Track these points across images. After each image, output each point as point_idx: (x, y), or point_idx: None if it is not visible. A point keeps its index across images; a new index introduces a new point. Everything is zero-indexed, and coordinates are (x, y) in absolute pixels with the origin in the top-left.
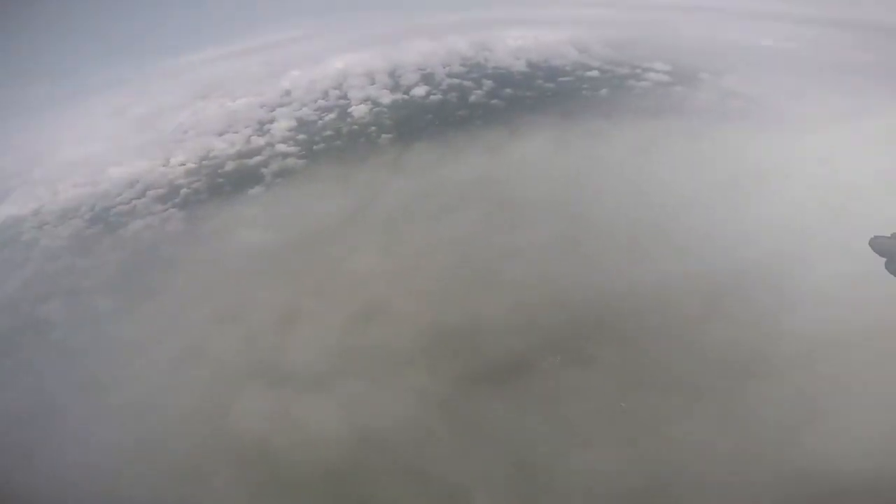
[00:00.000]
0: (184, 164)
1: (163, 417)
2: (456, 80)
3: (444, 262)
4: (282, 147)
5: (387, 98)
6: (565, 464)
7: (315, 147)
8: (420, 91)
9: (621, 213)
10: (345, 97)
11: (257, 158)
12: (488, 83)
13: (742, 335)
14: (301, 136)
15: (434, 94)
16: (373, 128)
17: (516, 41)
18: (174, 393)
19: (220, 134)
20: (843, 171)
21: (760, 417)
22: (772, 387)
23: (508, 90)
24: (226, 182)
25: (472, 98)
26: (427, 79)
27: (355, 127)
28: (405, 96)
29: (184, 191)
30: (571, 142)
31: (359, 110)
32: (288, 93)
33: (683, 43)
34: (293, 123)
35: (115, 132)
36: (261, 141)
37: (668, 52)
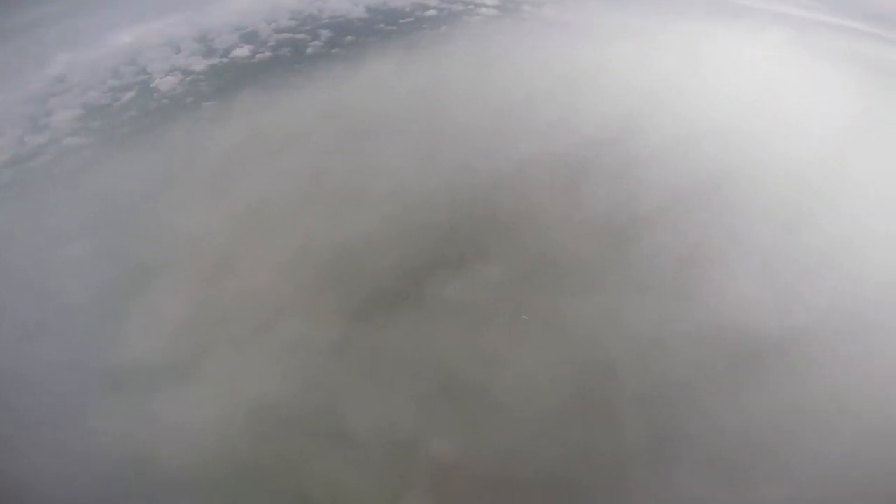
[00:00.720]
0: None
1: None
2: (287, 35)
3: (295, 193)
4: (72, 140)
5: (200, 65)
6: (498, 384)
7: (118, 132)
8: (243, 52)
9: (471, 116)
10: (143, 72)
11: (42, 159)
12: (326, 33)
13: (610, 201)
14: (95, 124)
15: (262, 53)
16: (189, 98)
17: None
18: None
19: None
20: (649, 68)
21: (655, 278)
22: (653, 243)
23: (350, 37)
24: (4, 196)
25: (310, 50)
26: (249, 38)
27: (166, 101)
28: (224, 59)
29: None
30: (415, 66)
31: (166, 83)
32: (61, 79)
33: None
34: (79, 112)
35: None
36: (40, 139)
37: None
